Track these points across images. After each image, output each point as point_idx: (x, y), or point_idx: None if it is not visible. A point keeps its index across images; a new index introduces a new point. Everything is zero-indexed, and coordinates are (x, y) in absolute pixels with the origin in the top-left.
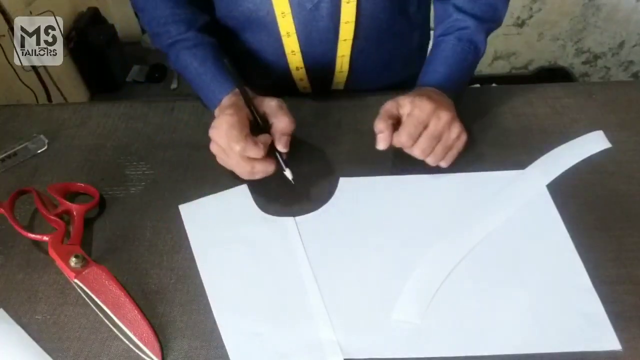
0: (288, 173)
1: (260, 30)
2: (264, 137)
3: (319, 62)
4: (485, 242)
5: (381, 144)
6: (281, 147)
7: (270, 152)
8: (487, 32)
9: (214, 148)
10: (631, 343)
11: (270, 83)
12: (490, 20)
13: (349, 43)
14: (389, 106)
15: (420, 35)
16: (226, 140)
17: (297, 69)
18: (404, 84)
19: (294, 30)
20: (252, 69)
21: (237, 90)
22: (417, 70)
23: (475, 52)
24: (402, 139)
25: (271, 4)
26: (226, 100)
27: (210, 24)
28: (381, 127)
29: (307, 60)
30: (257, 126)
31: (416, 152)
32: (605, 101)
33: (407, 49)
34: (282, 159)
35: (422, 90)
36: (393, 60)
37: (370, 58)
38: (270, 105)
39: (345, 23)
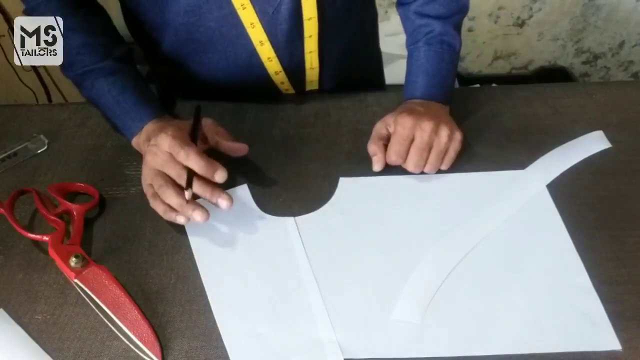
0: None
1: (227, 45)
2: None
3: (290, 63)
4: (485, 242)
5: (376, 166)
6: (243, 151)
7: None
8: (457, 25)
9: (154, 162)
10: (631, 343)
11: (249, 90)
12: (456, 13)
13: (315, 39)
14: (378, 127)
15: (371, 12)
16: (173, 144)
17: (276, 73)
18: (374, 75)
19: (267, 38)
20: (229, 83)
21: (164, 117)
22: (375, 47)
23: (450, 49)
24: (392, 158)
25: (237, 18)
26: (151, 125)
27: (129, 53)
28: (374, 150)
29: (281, 63)
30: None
31: (410, 167)
32: (605, 101)
33: (364, 29)
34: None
35: (406, 105)
36: (354, 45)
37: (335, 48)
38: (207, 124)
39: (308, 20)
